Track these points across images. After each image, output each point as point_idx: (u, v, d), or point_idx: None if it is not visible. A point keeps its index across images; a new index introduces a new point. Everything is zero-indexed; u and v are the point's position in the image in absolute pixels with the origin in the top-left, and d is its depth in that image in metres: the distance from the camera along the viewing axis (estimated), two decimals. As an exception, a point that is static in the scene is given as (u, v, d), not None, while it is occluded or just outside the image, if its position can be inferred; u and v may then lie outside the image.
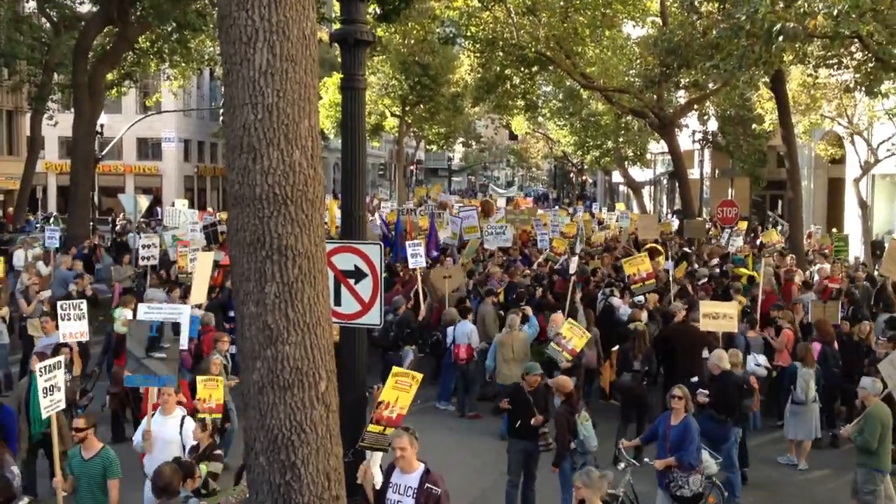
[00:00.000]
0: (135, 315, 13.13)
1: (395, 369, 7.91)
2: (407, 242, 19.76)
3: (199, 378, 11.52)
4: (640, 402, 13.88)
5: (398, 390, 7.74)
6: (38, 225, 38.31)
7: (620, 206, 50.92)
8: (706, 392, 11.64)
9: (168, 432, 9.82)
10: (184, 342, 12.92)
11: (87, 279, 19.12)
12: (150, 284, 19.54)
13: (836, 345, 15.13)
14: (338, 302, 7.06)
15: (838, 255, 25.58)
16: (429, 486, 7.42)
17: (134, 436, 10.32)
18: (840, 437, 11.40)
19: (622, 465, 10.80)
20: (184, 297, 16.84)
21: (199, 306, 16.00)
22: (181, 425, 9.91)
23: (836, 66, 22.72)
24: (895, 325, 16.08)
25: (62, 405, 9.00)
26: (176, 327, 10.60)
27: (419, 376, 8.07)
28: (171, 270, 21.89)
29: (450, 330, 16.49)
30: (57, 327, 12.98)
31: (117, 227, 37.76)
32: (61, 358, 9.66)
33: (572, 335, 13.52)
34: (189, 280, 20.12)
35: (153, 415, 10.01)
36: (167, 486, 7.37)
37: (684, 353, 14.25)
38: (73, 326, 12.68)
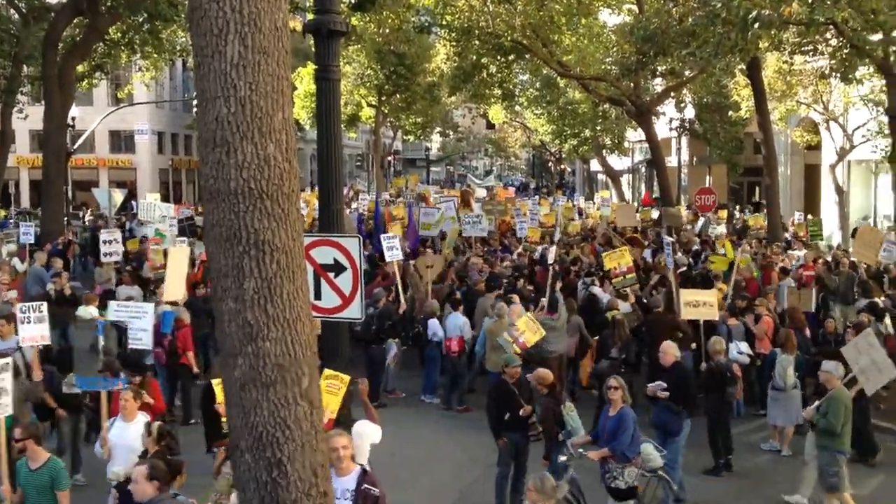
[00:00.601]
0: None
1: (326, 371, 7.79)
2: (382, 235, 19.56)
3: (214, 381, 10.70)
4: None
5: (328, 394, 7.57)
6: (11, 221, 37.86)
7: (604, 194, 51.02)
8: (664, 386, 11.53)
9: (130, 438, 9.47)
10: (147, 342, 12.80)
11: (65, 277, 18.62)
12: (116, 282, 19.11)
13: (807, 331, 15.25)
14: (318, 296, 6.98)
15: (813, 240, 25.72)
16: (366, 486, 7.15)
17: (96, 444, 10.13)
18: (805, 416, 11.36)
19: (563, 457, 10.62)
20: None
21: (174, 303, 15.80)
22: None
23: (811, 53, 22.82)
24: (874, 310, 16.18)
25: (9, 410, 8.73)
26: (119, 330, 10.52)
27: (347, 378, 7.88)
28: (144, 268, 21.16)
29: (431, 322, 16.47)
30: (16, 331, 12.60)
31: (86, 223, 36.58)
32: (9, 360, 9.23)
33: (526, 329, 13.48)
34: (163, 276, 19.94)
35: (113, 421, 9.82)
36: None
37: (659, 342, 14.15)
38: (33, 330, 12.23)
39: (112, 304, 14.29)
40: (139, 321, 12.82)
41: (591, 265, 21.38)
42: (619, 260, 18.27)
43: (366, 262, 20.38)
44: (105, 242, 20.34)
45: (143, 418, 9.87)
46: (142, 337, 12.71)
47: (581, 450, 10.41)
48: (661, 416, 11.30)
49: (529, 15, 29.87)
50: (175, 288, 15.63)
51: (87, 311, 16.66)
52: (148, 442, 9.11)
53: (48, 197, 27.13)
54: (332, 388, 7.65)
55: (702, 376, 13.51)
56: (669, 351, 11.98)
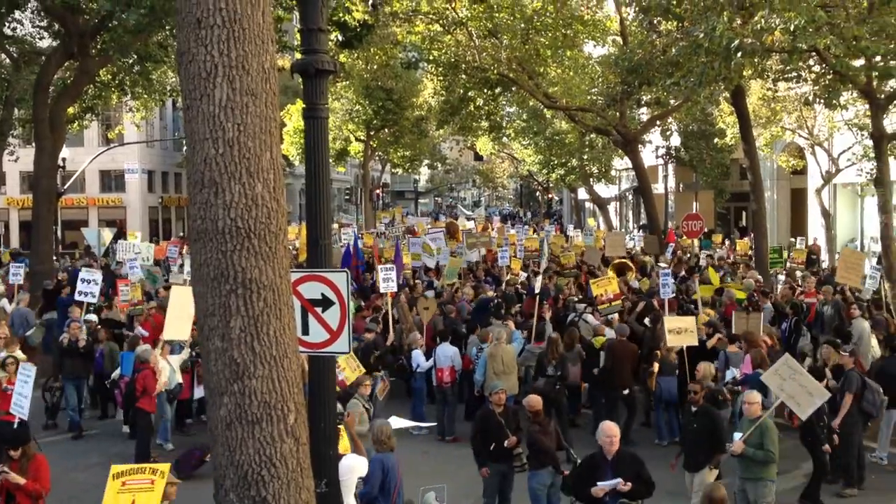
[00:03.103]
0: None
1: (113, 468, 7.19)
2: (379, 266, 19.76)
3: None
4: (556, 405, 14.42)
5: (130, 492, 6.99)
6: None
7: (591, 222, 51.23)
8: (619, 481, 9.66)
9: None
10: (25, 411, 10.86)
11: (77, 326, 17.21)
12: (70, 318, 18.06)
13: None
14: (305, 331, 7.02)
15: (773, 267, 25.72)
16: None
17: None
18: (732, 452, 10.74)
19: None
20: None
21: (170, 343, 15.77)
22: None
23: (795, 80, 23.06)
24: (840, 332, 16.29)
25: None
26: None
27: (165, 468, 7.34)
28: (112, 312, 20.56)
29: (414, 353, 16.55)
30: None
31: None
32: None
33: (346, 366, 13.48)
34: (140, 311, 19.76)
35: None
36: None
37: (620, 366, 15.65)
38: None
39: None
40: (22, 386, 11.17)
41: (574, 296, 21.42)
42: (606, 287, 18.75)
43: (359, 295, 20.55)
44: (83, 281, 19.45)
45: None
46: (22, 405, 10.89)
47: None
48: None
49: (515, 49, 30.14)
50: (177, 327, 15.26)
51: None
52: None
53: (37, 237, 27.09)
54: (136, 484, 6.99)
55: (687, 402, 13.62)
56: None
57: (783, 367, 11.11)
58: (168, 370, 15.55)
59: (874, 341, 16.67)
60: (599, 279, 19.54)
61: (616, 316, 18.29)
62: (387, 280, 18.32)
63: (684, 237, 34.18)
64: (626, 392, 15.62)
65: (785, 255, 28.80)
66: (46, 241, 27.43)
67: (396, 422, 11.75)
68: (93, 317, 18.64)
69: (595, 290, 18.93)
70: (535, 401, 11.39)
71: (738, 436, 10.77)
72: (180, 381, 15.87)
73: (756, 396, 11.00)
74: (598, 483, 9.40)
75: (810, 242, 34.32)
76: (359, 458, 9.48)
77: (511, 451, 11.32)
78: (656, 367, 15.78)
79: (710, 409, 11.89)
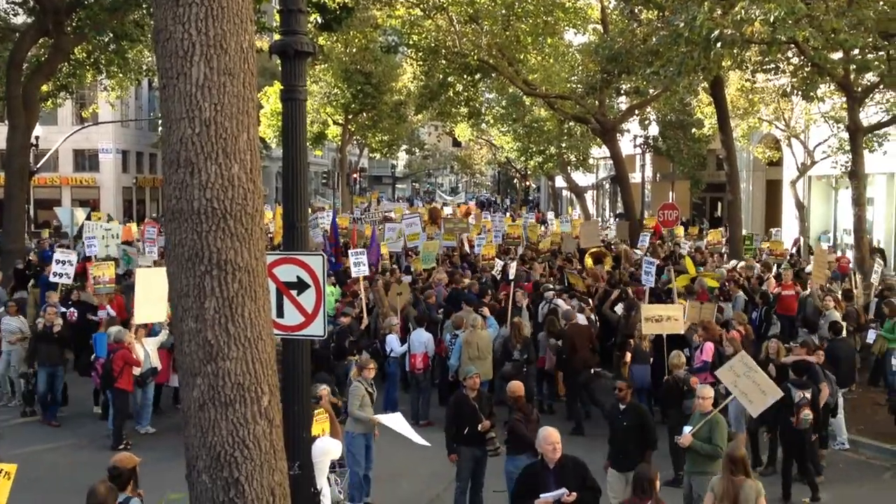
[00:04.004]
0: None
1: None
2: (350, 251, 19.72)
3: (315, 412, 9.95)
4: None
5: None
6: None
7: (570, 211, 51.37)
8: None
9: None
10: None
11: (54, 312, 16.69)
12: (47, 302, 17.70)
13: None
14: (280, 314, 6.99)
15: (747, 254, 25.89)
16: None
17: None
18: (680, 444, 10.67)
19: None
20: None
21: (145, 326, 15.62)
22: None
23: (773, 71, 23.16)
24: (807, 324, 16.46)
25: None
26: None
27: (11, 469, 7.16)
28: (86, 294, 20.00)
29: (388, 338, 16.55)
30: None
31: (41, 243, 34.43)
32: None
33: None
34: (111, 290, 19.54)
35: None
36: None
37: (575, 349, 15.81)
38: None
39: None
40: None
41: (548, 281, 21.51)
42: (579, 282, 19.36)
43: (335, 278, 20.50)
44: (58, 262, 19.30)
45: None
46: None
47: None
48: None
49: (496, 35, 30.08)
50: (149, 310, 15.02)
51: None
52: None
53: (9, 216, 26.81)
54: None
55: (661, 390, 13.75)
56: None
57: (738, 364, 11.03)
58: (143, 353, 15.43)
59: (845, 333, 16.86)
60: (573, 271, 19.83)
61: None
62: (358, 264, 18.29)
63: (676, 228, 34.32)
64: (592, 372, 15.83)
65: (766, 245, 29.05)
66: (19, 220, 27.15)
67: (398, 426, 11.63)
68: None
69: (571, 279, 19.22)
70: (516, 387, 11.31)
71: (686, 429, 10.67)
72: (156, 364, 15.70)
73: (710, 391, 10.92)
74: (542, 495, 8.70)
75: (786, 235, 34.45)
76: (333, 440, 9.49)
77: (484, 435, 11.34)
78: (629, 356, 15.90)
79: (639, 405, 11.81)
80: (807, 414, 12.21)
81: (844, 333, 16.53)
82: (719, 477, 9.15)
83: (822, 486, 12.68)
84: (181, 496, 7.97)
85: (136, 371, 15.16)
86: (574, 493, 8.61)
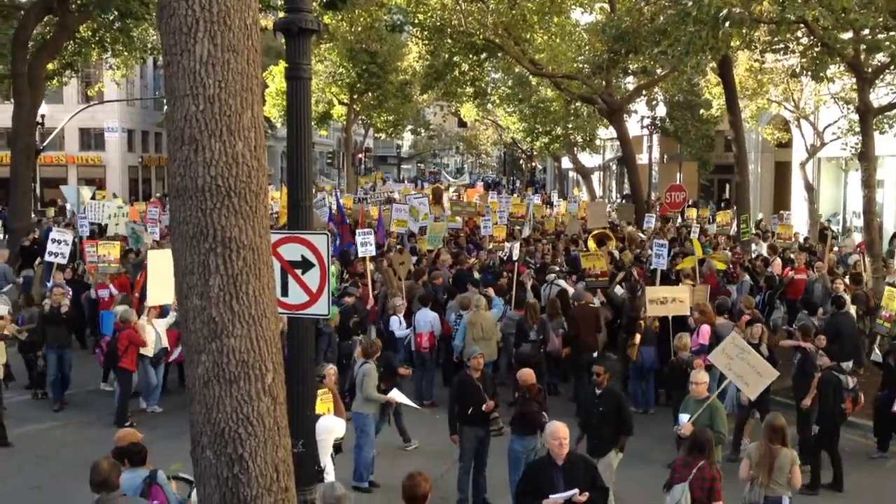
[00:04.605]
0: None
1: None
2: (357, 231, 19.75)
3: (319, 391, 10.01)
4: (537, 369, 14.16)
5: None
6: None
7: (577, 192, 51.27)
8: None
9: None
10: None
11: (60, 292, 16.55)
12: (53, 282, 17.72)
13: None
14: (285, 293, 7.00)
15: (743, 236, 25.85)
16: None
17: None
18: (681, 434, 10.35)
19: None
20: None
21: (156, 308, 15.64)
22: None
23: (782, 51, 22.98)
24: (807, 306, 16.42)
25: None
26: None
27: None
28: (78, 270, 20.46)
29: (392, 319, 16.59)
30: None
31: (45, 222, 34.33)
32: None
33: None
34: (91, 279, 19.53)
35: None
36: (105, 481, 7.19)
37: (584, 330, 15.73)
38: None
39: None
40: None
41: (550, 262, 21.54)
42: (595, 262, 19.05)
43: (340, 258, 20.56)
44: (54, 241, 19.29)
45: None
46: None
47: None
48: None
49: (502, 13, 29.93)
50: (160, 292, 15.02)
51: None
52: None
53: (16, 194, 26.89)
54: None
55: (666, 372, 13.73)
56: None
57: (731, 346, 10.88)
58: (153, 334, 15.47)
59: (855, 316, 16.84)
60: (590, 253, 19.69)
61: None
62: (364, 244, 18.32)
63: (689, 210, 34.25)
64: (594, 355, 15.59)
65: (779, 229, 29.02)
66: (25, 198, 27.28)
67: (398, 397, 12.32)
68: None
69: (585, 262, 19.22)
70: (527, 375, 11.25)
71: (684, 417, 10.39)
72: (165, 345, 15.74)
73: (703, 377, 10.72)
74: (551, 496, 8.22)
75: (795, 218, 34.21)
76: (336, 419, 9.52)
77: (488, 415, 11.37)
78: (638, 337, 15.86)
79: (616, 390, 11.59)
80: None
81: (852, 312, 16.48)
82: (756, 444, 9.42)
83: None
84: (181, 466, 8.09)
85: (149, 352, 15.23)
86: (586, 494, 8.21)
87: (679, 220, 33.83)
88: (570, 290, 17.96)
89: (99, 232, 26.94)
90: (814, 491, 11.97)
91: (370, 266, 18.62)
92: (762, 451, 9.30)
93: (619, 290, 18.44)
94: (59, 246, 19.18)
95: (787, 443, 9.44)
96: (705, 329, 14.59)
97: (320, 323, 15.35)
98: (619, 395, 11.52)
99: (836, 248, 25.88)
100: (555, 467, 8.35)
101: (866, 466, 13.21)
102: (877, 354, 15.70)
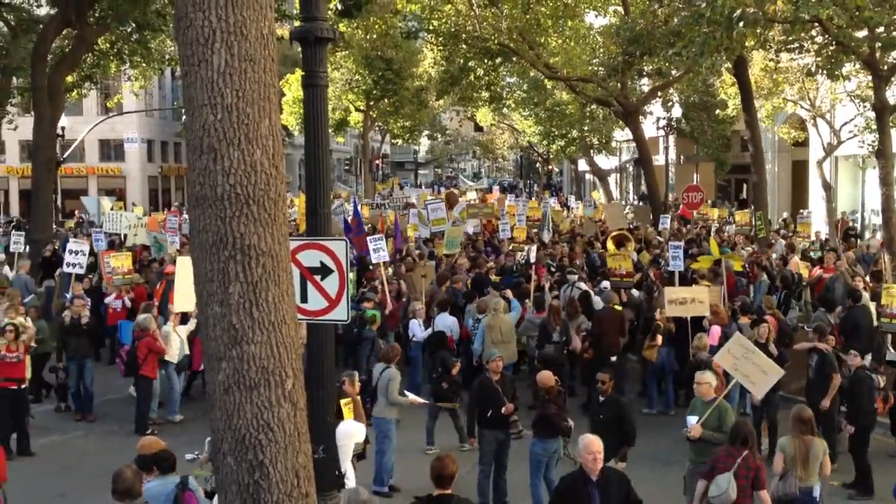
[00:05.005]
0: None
1: None
2: (368, 238, 19.80)
3: (342, 401, 10.18)
4: (561, 370, 14.33)
5: None
6: (1, 230, 37.72)
7: (595, 195, 51.20)
8: None
9: None
10: None
11: (81, 303, 16.58)
12: (73, 294, 17.61)
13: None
14: (304, 299, 7.05)
15: (759, 236, 25.72)
16: None
17: None
18: (690, 437, 10.12)
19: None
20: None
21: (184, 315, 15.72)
22: None
23: (797, 51, 22.90)
24: (824, 303, 16.33)
25: None
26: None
27: None
28: (93, 281, 20.36)
29: (411, 323, 16.63)
30: None
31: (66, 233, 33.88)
32: None
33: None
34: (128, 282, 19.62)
35: None
36: (129, 490, 7.25)
37: (609, 332, 15.65)
38: None
39: None
40: None
41: (567, 264, 21.52)
42: (621, 262, 18.97)
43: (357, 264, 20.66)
44: (71, 252, 19.21)
45: None
46: None
47: None
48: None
49: (516, 18, 29.97)
50: (186, 299, 15.08)
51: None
52: None
53: (37, 206, 27.12)
54: None
55: (685, 372, 13.70)
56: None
57: (736, 347, 10.77)
58: (178, 342, 15.56)
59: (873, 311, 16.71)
60: (616, 253, 19.65)
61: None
62: (377, 251, 18.39)
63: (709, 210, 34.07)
64: (613, 359, 15.40)
65: (792, 227, 28.84)
66: (46, 210, 27.48)
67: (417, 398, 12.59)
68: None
69: (610, 262, 19.27)
70: (546, 377, 11.23)
71: (692, 419, 10.14)
72: (188, 352, 15.82)
73: (708, 377, 10.54)
74: None
75: (814, 217, 33.99)
76: (357, 423, 9.57)
77: (508, 418, 11.39)
78: (659, 339, 15.82)
79: (619, 398, 11.40)
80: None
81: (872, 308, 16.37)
82: (787, 438, 9.60)
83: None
84: (204, 472, 8.15)
85: (173, 358, 15.32)
86: None
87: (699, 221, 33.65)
88: (592, 294, 17.96)
89: (120, 243, 27.08)
90: (868, 494, 11.97)
91: (388, 272, 18.68)
92: (796, 444, 9.53)
93: (635, 293, 18.40)
94: (76, 257, 19.24)
95: (816, 433, 9.73)
96: (715, 330, 14.55)
97: (365, 329, 15.52)
98: (623, 402, 11.30)
99: (862, 247, 25.74)
100: (590, 483, 7.93)
101: (889, 465, 13.12)
102: (891, 353, 15.59)
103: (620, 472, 8.40)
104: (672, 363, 15.70)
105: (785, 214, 35.90)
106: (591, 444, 7.99)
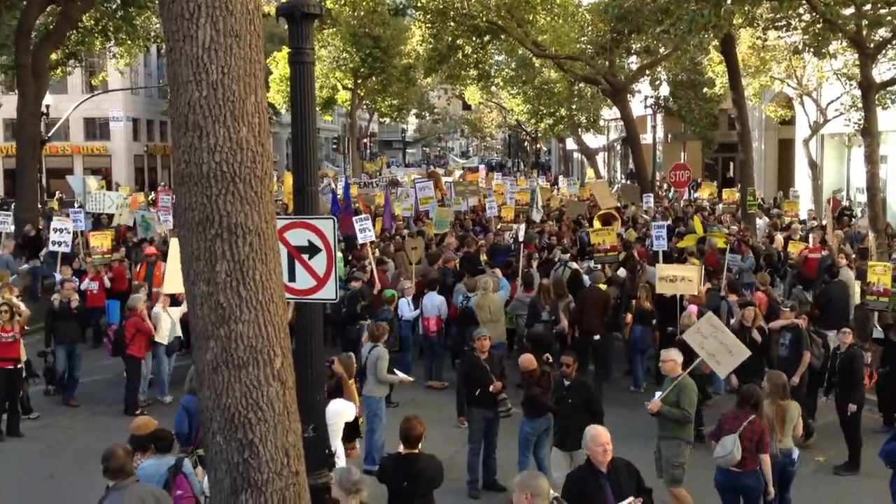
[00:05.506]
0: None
1: None
2: (354, 218, 19.73)
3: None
4: (549, 349, 14.17)
5: None
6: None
7: (590, 173, 51.19)
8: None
9: None
10: None
11: (71, 287, 16.39)
12: (62, 277, 17.72)
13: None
14: (292, 278, 7.01)
15: (749, 211, 25.81)
16: None
17: None
18: (648, 410, 10.20)
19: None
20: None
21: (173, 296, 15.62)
22: None
23: (784, 28, 22.88)
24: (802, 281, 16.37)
25: None
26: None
27: None
28: (78, 259, 20.20)
29: (400, 302, 16.60)
30: None
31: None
32: None
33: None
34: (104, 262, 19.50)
35: None
36: (122, 468, 7.23)
37: (590, 312, 15.62)
38: None
39: None
40: None
41: (557, 244, 21.55)
42: (605, 238, 19.00)
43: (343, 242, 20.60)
44: (56, 231, 19.15)
45: None
46: None
47: None
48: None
49: (503, -6, 29.88)
50: (178, 280, 15.00)
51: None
52: None
53: (22, 185, 26.97)
54: None
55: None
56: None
57: (705, 325, 10.81)
58: (168, 323, 15.50)
59: (858, 289, 16.84)
60: (600, 229, 19.68)
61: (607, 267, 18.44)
62: (363, 230, 18.33)
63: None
64: (595, 338, 15.53)
65: (784, 206, 28.92)
66: (31, 189, 27.32)
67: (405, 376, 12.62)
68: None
69: (594, 238, 19.29)
70: (527, 360, 11.15)
71: (657, 395, 10.30)
72: (179, 334, 15.73)
73: (673, 354, 10.49)
74: None
75: (800, 195, 34.12)
76: (346, 402, 9.56)
77: (496, 396, 11.40)
78: (629, 317, 16.06)
79: (585, 381, 11.24)
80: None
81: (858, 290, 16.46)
82: (766, 402, 9.89)
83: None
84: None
85: (163, 339, 15.26)
86: (640, 500, 7.55)
87: (685, 197, 33.72)
88: (582, 273, 17.99)
89: (108, 223, 26.94)
90: (853, 469, 12.18)
91: (375, 251, 18.66)
92: (773, 408, 9.93)
93: (621, 271, 18.43)
94: (61, 234, 19.13)
95: (789, 396, 10.35)
96: (692, 310, 14.60)
97: (383, 310, 15.45)
98: (589, 385, 11.13)
99: (855, 225, 25.87)
100: (600, 475, 7.59)
101: (875, 439, 13.21)
102: (878, 330, 15.69)
103: (626, 460, 7.99)
104: (646, 341, 15.79)
105: (780, 193, 35.98)
106: (599, 436, 7.69)
